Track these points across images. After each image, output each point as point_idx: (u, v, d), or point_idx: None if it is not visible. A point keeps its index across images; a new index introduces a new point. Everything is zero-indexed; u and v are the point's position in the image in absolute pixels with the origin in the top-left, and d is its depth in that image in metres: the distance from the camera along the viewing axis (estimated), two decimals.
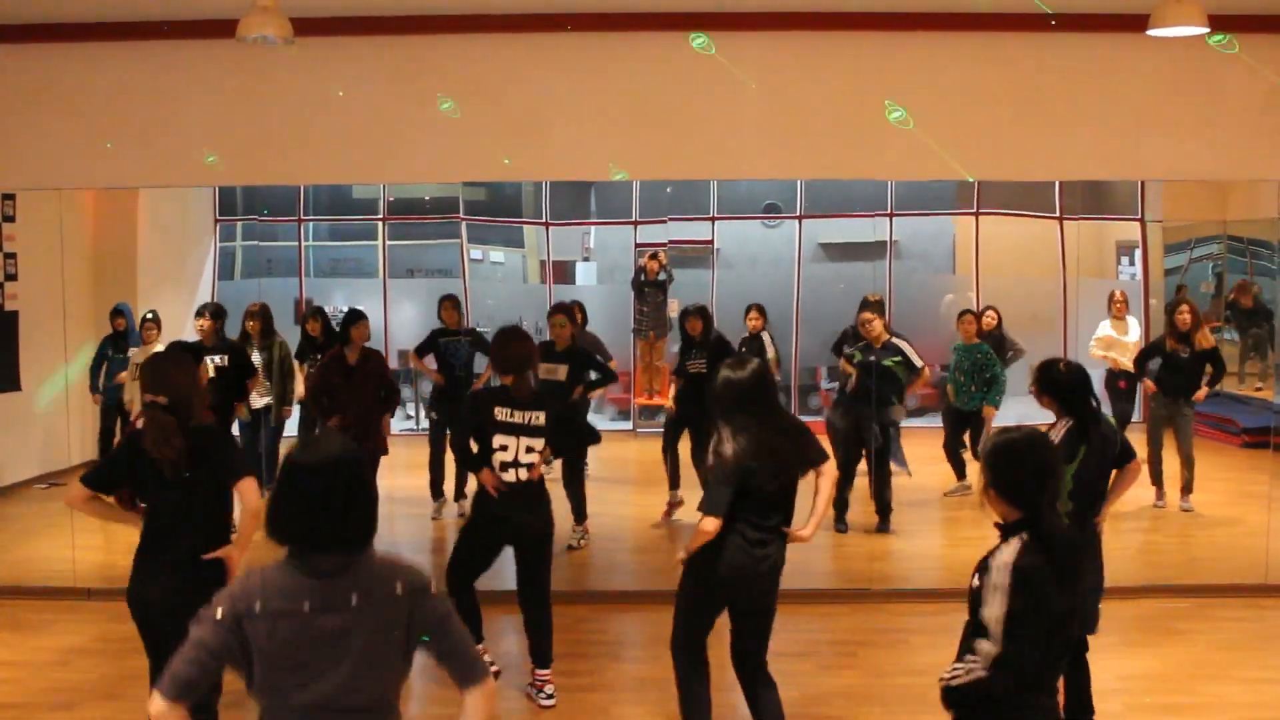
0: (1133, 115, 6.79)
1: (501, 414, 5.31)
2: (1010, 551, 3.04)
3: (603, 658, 6.14)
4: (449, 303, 8.93)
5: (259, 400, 8.45)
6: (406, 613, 2.60)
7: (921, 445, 10.33)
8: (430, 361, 8.84)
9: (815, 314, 12.23)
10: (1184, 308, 8.73)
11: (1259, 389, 10.91)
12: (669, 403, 8.87)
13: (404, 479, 9.03)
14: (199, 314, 8.06)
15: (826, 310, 10.57)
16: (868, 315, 8.39)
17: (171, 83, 6.79)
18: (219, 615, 2.52)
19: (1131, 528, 8.59)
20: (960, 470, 9.31)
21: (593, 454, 9.00)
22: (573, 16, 6.59)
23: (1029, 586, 2.98)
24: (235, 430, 8.36)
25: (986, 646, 3.04)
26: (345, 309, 10.74)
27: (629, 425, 12.71)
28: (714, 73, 6.77)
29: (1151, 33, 5.62)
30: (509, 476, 5.31)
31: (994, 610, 3.02)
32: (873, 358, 8.23)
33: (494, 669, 5.51)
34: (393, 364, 12.23)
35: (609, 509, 8.69)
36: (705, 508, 4.39)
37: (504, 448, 5.30)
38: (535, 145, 6.89)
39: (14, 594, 6.91)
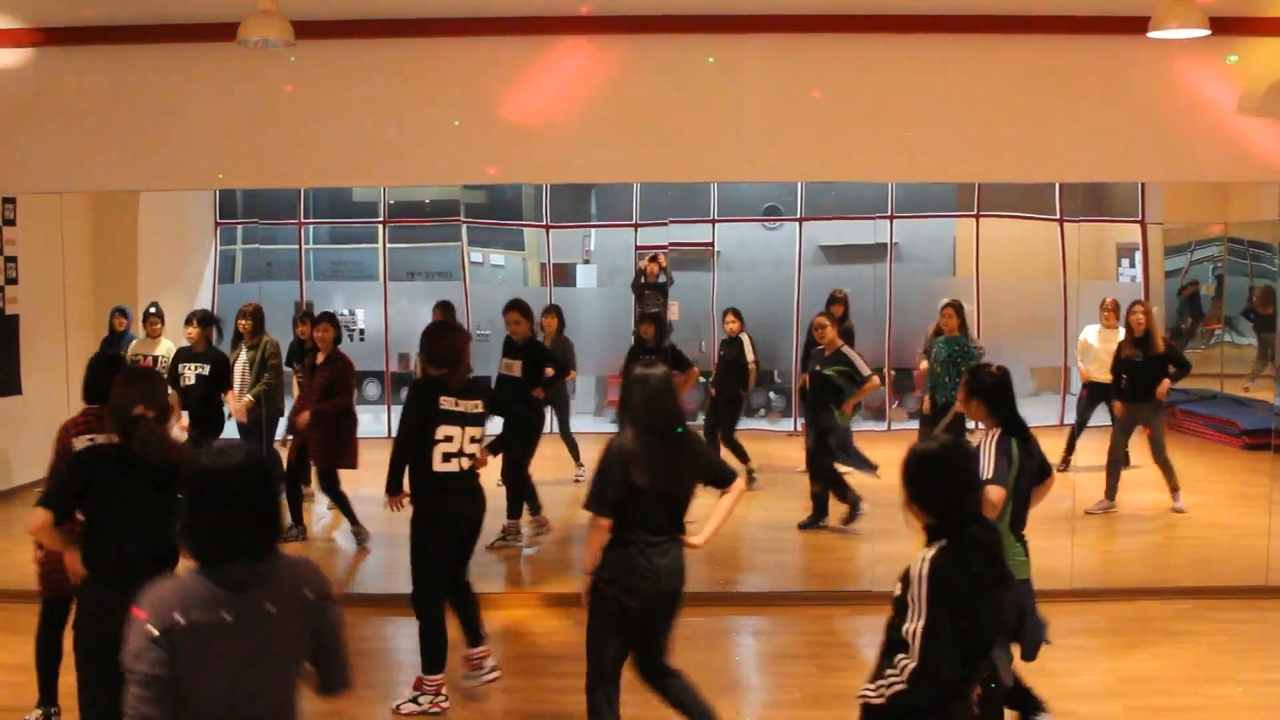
0: (1133, 117, 6.79)
1: (447, 403, 5.25)
2: (928, 563, 3.02)
3: None
4: (436, 311, 8.97)
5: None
6: (317, 617, 2.70)
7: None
8: None
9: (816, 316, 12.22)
10: (1138, 309, 8.57)
11: (1247, 389, 10.85)
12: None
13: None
14: (188, 322, 8.20)
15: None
16: (821, 320, 8.44)
17: (172, 86, 6.80)
18: (151, 633, 2.54)
19: (1131, 530, 8.59)
20: None
21: (588, 456, 8.98)
22: (571, 20, 6.60)
23: (946, 597, 2.98)
24: (235, 432, 8.41)
25: (906, 660, 3.04)
26: (347, 311, 10.73)
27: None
28: (714, 75, 6.79)
29: (1152, 35, 5.63)
30: (451, 466, 5.26)
31: (913, 624, 3.01)
32: (817, 366, 8.32)
33: (495, 674, 5.53)
34: (393, 366, 12.27)
35: None
36: (593, 506, 4.30)
37: (449, 438, 5.24)
38: (536, 148, 6.90)
39: (14, 597, 6.90)
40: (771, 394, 13.14)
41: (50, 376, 8.72)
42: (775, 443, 11.59)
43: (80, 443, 4.48)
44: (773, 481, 9.86)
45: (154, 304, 8.61)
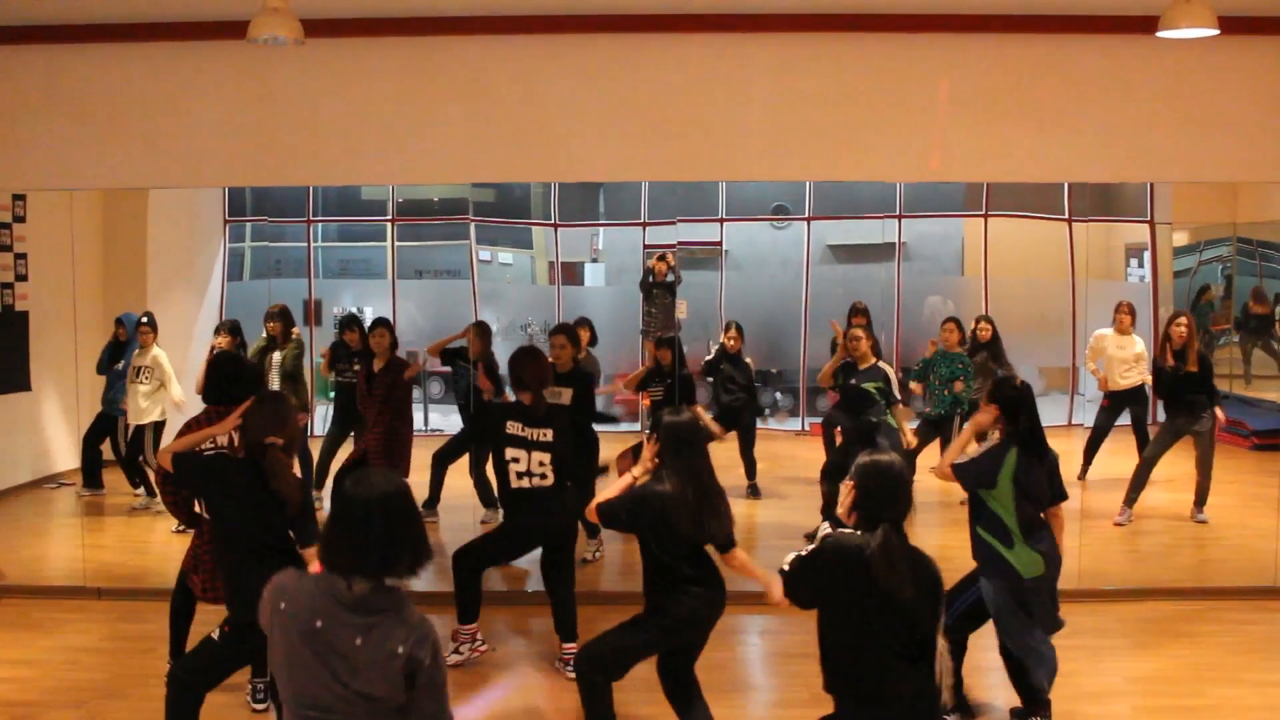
0: (1142, 117, 6.78)
1: (513, 428, 5.71)
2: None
3: None
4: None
5: None
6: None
7: (929, 449, 10.31)
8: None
9: (823, 316, 12.20)
10: (1181, 321, 8.22)
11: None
12: None
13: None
14: (217, 332, 8.21)
15: (835, 312, 10.54)
16: (858, 333, 8.12)
17: (181, 84, 6.82)
18: None
19: (1140, 530, 8.56)
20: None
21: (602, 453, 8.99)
22: (582, 18, 6.61)
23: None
24: None
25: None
26: (353, 308, 10.64)
27: (637, 426, 12.71)
28: (722, 74, 6.79)
29: (1161, 34, 5.62)
30: (525, 484, 5.70)
31: None
32: (854, 380, 8.04)
33: (485, 646, 6.04)
34: None
35: None
36: None
37: (516, 460, 5.71)
38: (544, 146, 6.91)
39: (25, 593, 6.93)
40: (778, 394, 13.11)
41: (59, 373, 8.76)
42: (782, 442, 11.59)
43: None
44: (778, 481, 9.85)
45: (147, 314, 8.63)
